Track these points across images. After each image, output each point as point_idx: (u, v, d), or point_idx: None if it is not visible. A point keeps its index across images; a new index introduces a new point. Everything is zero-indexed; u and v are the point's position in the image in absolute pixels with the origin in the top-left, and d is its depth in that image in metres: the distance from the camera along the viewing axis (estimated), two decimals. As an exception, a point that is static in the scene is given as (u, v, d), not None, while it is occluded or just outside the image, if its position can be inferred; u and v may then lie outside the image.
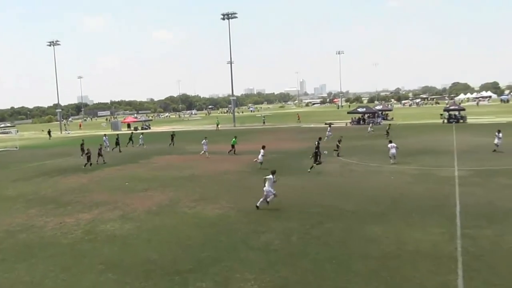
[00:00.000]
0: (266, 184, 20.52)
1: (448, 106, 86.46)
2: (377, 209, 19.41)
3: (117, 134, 55.92)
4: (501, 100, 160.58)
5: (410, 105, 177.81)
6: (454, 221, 17.02)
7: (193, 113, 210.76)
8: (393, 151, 31.56)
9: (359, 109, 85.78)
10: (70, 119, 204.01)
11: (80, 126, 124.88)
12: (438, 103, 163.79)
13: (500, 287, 11.34)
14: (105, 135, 54.34)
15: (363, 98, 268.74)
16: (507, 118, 73.14)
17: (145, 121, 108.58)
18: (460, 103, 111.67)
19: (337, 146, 37.80)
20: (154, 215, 20.35)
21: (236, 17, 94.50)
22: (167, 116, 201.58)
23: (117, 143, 49.66)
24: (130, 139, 55.06)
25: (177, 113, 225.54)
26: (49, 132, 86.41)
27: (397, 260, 13.43)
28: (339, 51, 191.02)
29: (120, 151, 48.24)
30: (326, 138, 48.07)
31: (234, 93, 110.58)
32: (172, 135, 53.37)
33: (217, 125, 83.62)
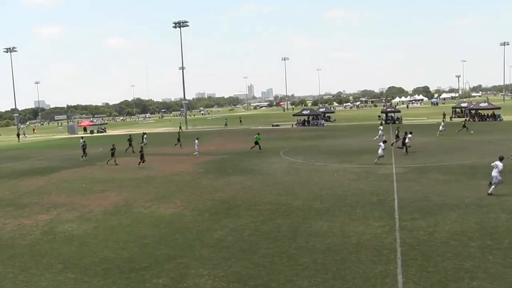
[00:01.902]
0: (494, 171, 20.21)
1: (385, 108, 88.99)
2: (323, 205, 19.71)
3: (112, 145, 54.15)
4: (432, 103, 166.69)
5: (351, 108, 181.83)
6: (393, 215, 17.50)
7: (147, 116, 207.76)
8: (380, 151, 31.10)
9: (304, 112, 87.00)
10: (27, 123, 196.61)
11: (34, 130, 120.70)
12: (376, 106, 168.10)
13: (434, 273, 11.76)
14: (82, 137, 51.90)
15: (307, 101, 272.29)
16: (437, 119, 75.95)
17: (101, 124, 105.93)
18: (395, 106, 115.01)
19: None
20: (110, 215, 19.91)
21: (187, 25, 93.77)
22: (122, 119, 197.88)
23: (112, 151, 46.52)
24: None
25: (131, 116, 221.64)
26: (18, 135, 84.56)
27: (342, 252, 13.69)
28: (284, 57, 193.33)
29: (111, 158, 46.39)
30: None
31: (186, 97, 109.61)
32: (129, 139, 48.10)
33: (180, 127, 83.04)
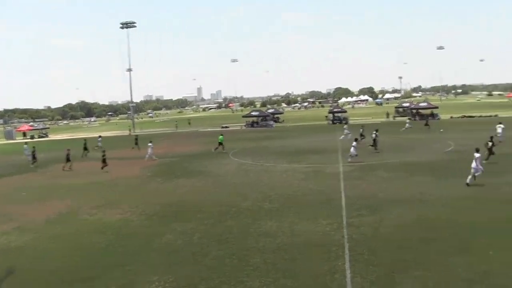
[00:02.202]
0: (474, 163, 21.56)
1: (332, 109, 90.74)
2: (272, 206, 19.88)
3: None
4: (376, 103, 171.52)
5: (299, 108, 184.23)
6: (340, 212, 17.87)
7: (92, 120, 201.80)
8: (352, 149, 31.25)
9: (253, 113, 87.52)
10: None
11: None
12: (324, 106, 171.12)
13: (379, 266, 12.14)
14: (26, 143, 49.59)
15: (256, 103, 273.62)
16: (381, 119, 78.30)
17: (42, 129, 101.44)
18: (342, 106, 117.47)
19: None
20: (53, 224, 19.06)
21: (134, 26, 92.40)
22: (65, 123, 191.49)
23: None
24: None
25: (75, 120, 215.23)
26: None
27: (292, 251, 13.87)
28: (233, 59, 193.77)
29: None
30: None
31: (133, 100, 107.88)
32: (85, 143, 45.97)
33: (130, 130, 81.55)
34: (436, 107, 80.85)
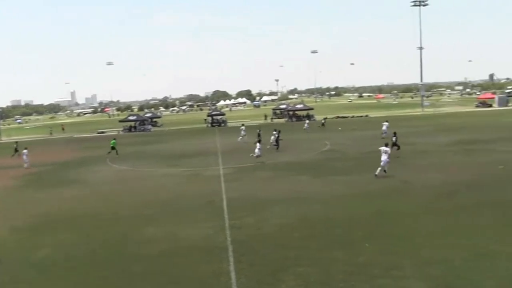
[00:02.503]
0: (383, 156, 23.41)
1: (211, 112, 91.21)
2: (153, 211, 19.34)
3: None
4: (254, 106, 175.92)
5: (177, 112, 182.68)
6: (222, 215, 17.87)
7: None
8: (256, 150, 31.14)
9: (130, 117, 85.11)
10: None
11: None
12: (202, 109, 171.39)
13: (263, 265, 12.25)
14: None
15: (133, 107, 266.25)
16: (259, 121, 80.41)
17: None
18: (221, 109, 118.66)
19: None
20: None
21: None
22: None
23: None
24: None
25: None
26: None
27: (175, 256, 13.56)
28: (109, 62, 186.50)
29: None
30: None
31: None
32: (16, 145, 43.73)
33: None
34: (312, 109, 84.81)
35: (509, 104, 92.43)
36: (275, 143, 37.63)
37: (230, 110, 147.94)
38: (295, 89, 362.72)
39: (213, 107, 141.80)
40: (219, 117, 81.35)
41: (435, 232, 14.30)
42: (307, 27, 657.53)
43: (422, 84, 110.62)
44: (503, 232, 13.82)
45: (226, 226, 16.31)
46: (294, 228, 15.62)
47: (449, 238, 13.59)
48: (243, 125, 51.57)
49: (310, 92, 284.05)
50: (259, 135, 42.26)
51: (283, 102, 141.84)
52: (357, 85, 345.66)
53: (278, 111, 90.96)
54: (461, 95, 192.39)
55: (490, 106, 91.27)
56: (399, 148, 30.88)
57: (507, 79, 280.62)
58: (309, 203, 19.06)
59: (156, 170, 31.21)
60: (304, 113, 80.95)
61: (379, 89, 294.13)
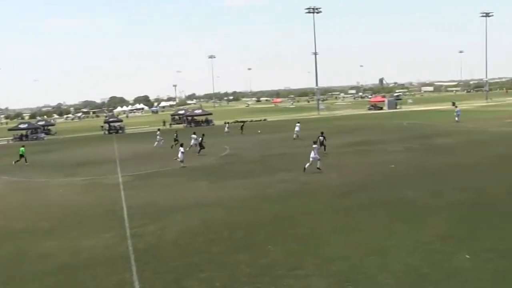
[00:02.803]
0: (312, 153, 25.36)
1: (107, 118, 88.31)
2: (49, 224, 18.36)
3: None
4: (152, 111, 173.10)
5: (72, 119, 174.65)
6: (123, 224, 17.47)
7: None
8: (180, 155, 30.56)
9: (21, 125, 79.83)
10: None
11: None
12: (99, 116, 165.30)
13: (167, 272, 12.14)
14: None
15: (24, 114, 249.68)
16: (158, 126, 79.22)
17: None
18: (118, 115, 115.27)
19: None
20: None
21: None
22: None
23: None
24: None
25: None
26: None
27: (75, 270, 12.99)
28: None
29: None
30: None
31: None
32: None
33: None
34: (211, 114, 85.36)
35: (398, 107, 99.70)
36: (199, 147, 37.57)
37: (127, 116, 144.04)
38: (194, 94, 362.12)
39: (110, 114, 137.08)
40: (116, 124, 78.95)
41: (334, 231, 15.01)
42: (205, 32, 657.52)
43: (317, 88, 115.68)
44: (395, 228, 14.82)
45: (127, 235, 15.95)
46: (196, 233, 15.65)
47: (347, 236, 14.34)
48: (158, 129, 51.04)
49: (209, 97, 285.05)
50: (175, 139, 42.62)
51: (181, 107, 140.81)
52: (255, 89, 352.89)
53: (176, 117, 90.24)
54: (354, 98, 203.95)
55: (381, 108, 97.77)
56: (325, 148, 32.51)
57: (395, 83, 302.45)
58: (210, 208, 19.19)
59: (52, 180, 29.61)
60: (203, 118, 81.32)
61: (277, 94, 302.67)
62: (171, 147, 41.54)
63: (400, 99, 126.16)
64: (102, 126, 79.61)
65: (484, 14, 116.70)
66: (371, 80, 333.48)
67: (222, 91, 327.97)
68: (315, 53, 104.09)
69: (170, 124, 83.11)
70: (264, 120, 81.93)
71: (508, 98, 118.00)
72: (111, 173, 30.44)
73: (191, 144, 38.68)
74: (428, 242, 13.26)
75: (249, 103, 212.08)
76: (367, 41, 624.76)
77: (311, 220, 16.44)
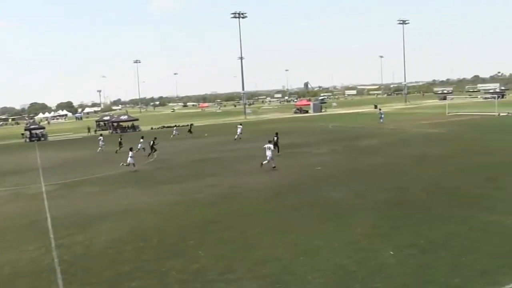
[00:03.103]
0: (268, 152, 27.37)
1: (28, 125, 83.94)
2: (-35, 239, 17.19)
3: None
4: (76, 118, 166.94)
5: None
6: (47, 235, 16.70)
7: None
8: (129, 159, 30.51)
9: None
10: None
11: None
12: (19, 123, 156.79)
13: (96, 284, 11.82)
14: None
15: None
16: (82, 133, 76.59)
17: None
18: (40, 122, 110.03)
19: None
20: None
21: None
22: None
23: None
24: None
25: None
26: None
27: (-5, 286, 12.26)
28: None
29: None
30: None
31: None
32: None
33: None
34: (137, 119, 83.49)
35: (323, 110, 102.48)
36: (151, 150, 37.48)
37: (49, 123, 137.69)
38: (119, 100, 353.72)
39: (31, 121, 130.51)
40: (38, 131, 75.14)
41: (264, 233, 15.17)
42: (130, 36, 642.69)
43: (243, 93, 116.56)
44: (323, 229, 15.19)
45: (52, 246, 15.26)
46: (126, 241, 15.26)
47: (277, 238, 14.53)
48: (101, 135, 50.51)
49: (135, 102, 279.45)
50: (120, 143, 42.48)
51: (106, 113, 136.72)
52: (182, 94, 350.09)
53: (102, 123, 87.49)
54: (280, 102, 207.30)
55: (307, 112, 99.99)
56: (279, 150, 33.05)
57: (320, 87, 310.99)
58: (139, 215, 18.80)
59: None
60: (130, 124, 79.48)
61: (203, 98, 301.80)
62: (116, 152, 41.13)
63: (325, 103, 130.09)
64: (22, 134, 75.58)
65: (401, 22, 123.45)
66: (296, 84, 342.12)
67: (148, 96, 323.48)
68: (241, 58, 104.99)
69: (95, 131, 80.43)
70: (191, 125, 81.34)
71: (425, 101, 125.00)
72: (33, 182, 28.98)
73: (139, 147, 38.50)
74: (355, 240, 13.73)
75: (175, 108, 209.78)
76: (292, 46, 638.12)
77: (241, 224, 16.52)
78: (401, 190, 20.09)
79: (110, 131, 77.80)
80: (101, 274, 12.48)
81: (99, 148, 45.03)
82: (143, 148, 38.76)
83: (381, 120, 58.65)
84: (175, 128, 61.10)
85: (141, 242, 15.04)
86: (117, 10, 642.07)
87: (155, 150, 37.70)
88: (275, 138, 33.59)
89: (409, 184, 21.18)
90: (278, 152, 32.67)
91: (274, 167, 26.99)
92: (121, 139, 44.76)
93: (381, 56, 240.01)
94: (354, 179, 23.20)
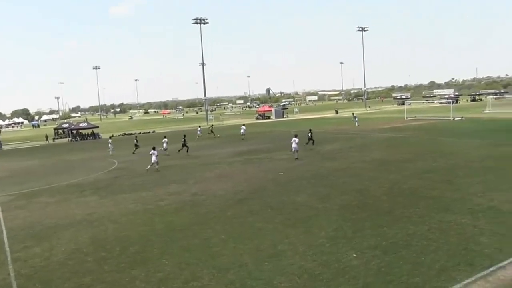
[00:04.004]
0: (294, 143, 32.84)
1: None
2: None
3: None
4: (33, 125, 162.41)
5: None
6: (3, 248, 16.02)
7: None
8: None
9: None
10: None
11: None
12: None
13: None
14: None
15: None
16: (40, 141, 74.53)
17: None
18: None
19: None
20: None
21: None
22: None
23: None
24: None
25: None
26: None
27: None
28: None
29: None
30: None
31: None
32: None
33: None
34: (97, 127, 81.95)
35: (285, 116, 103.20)
36: (182, 147, 41.14)
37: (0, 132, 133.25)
38: (79, 107, 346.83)
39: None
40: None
41: (228, 239, 15.01)
42: (89, 42, 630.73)
43: (205, 99, 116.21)
44: (287, 233, 15.17)
45: (8, 260, 14.63)
46: (87, 252, 14.81)
47: (242, 244, 14.40)
48: (110, 138, 53.81)
49: (95, 109, 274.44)
50: (136, 144, 46.16)
51: (65, 121, 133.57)
52: (143, 101, 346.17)
53: (60, 131, 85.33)
54: (242, 108, 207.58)
55: (269, 118, 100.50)
56: (313, 140, 40.05)
57: (282, 93, 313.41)
58: (100, 224, 18.28)
59: None
60: (90, 131, 77.94)
61: (165, 105, 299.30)
62: (133, 153, 44.20)
63: (286, 108, 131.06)
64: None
65: (360, 29, 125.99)
66: (258, 90, 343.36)
67: (109, 103, 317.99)
68: (203, 64, 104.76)
69: (54, 139, 78.41)
70: (153, 132, 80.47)
71: (384, 106, 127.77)
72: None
73: (164, 147, 41.06)
74: (319, 244, 13.81)
75: (134, 115, 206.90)
76: (253, 52, 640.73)
77: (204, 231, 16.30)
78: (363, 193, 20.36)
79: (69, 139, 76.04)
80: (62, 286, 12.04)
81: (110, 151, 46.53)
82: (165, 149, 41.02)
83: (357, 124, 60.96)
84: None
85: (103, 252, 14.64)
86: (76, 15, 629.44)
87: (186, 147, 41.24)
88: (310, 134, 40.29)
89: (371, 187, 21.51)
90: (313, 144, 39.59)
91: (297, 158, 31.74)
92: (136, 141, 47.74)
93: (342, 63, 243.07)
94: (317, 184, 23.37)
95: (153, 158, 31.61)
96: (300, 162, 31.01)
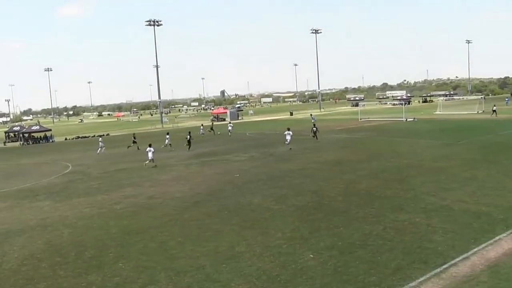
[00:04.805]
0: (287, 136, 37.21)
1: None
2: None
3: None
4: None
5: None
6: (-49, 255, 15.30)
7: None
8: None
9: None
10: None
11: None
12: None
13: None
14: None
15: None
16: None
17: None
18: None
19: None
20: None
21: None
22: None
23: None
24: None
25: None
26: None
27: None
28: None
29: None
30: None
31: None
32: None
33: None
34: (49, 130, 79.68)
35: (240, 118, 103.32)
36: (188, 143, 43.02)
37: None
38: (30, 109, 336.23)
39: None
40: None
41: (185, 242, 14.90)
42: (38, 43, 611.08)
43: (160, 101, 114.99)
44: (245, 235, 15.19)
45: (-43, 268, 14.03)
46: (41, 258, 14.37)
47: (199, 246, 14.33)
48: (100, 136, 57.08)
49: (47, 112, 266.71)
50: (134, 140, 48.71)
51: (16, 124, 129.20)
52: (97, 103, 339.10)
53: (12, 134, 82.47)
54: (197, 110, 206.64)
55: (224, 120, 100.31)
56: (317, 137, 43.81)
57: (236, 95, 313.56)
58: (55, 229, 17.77)
59: None
60: (42, 134, 75.67)
61: (119, 107, 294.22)
62: (137, 149, 45.80)
63: (241, 110, 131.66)
64: None
65: (314, 31, 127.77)
66: (213, 92, 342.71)
67: (62, 105, 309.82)
68: (157, 66, 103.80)
69: (4, 143, 75.68)
70: (107, 134, 78.84)
71: (338, 108, 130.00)
72: None
73: (166, 143, 43.99)
74: (276, 245, 13.88)
75: (87, 118, 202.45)
76: (208, 54, 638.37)
77: (161, 234, 16.13)
78: (319, 194, 20.60)
79: (21, 142, 73.52)
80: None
81: (99, 150, 47.10)
82: (170, 144, 43.42)
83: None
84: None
85: (57, 258, 14.24)
86: (22, 16, 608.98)
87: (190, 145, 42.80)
88: (315, 128, 44.36)
89: (326, 188, 21.79)
90: (317, 139, 42.82)
91: (291, 148, 36.11)
92: (134, 138, 49.89)
93: (296, 64, 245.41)
94: (273, 185, 23.48)
95: (150, 154, 33.04)
96: (291, 152, 35.51)
